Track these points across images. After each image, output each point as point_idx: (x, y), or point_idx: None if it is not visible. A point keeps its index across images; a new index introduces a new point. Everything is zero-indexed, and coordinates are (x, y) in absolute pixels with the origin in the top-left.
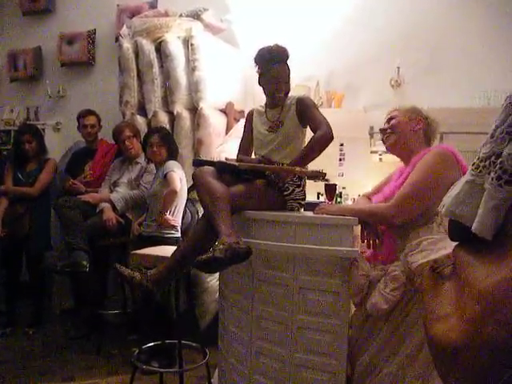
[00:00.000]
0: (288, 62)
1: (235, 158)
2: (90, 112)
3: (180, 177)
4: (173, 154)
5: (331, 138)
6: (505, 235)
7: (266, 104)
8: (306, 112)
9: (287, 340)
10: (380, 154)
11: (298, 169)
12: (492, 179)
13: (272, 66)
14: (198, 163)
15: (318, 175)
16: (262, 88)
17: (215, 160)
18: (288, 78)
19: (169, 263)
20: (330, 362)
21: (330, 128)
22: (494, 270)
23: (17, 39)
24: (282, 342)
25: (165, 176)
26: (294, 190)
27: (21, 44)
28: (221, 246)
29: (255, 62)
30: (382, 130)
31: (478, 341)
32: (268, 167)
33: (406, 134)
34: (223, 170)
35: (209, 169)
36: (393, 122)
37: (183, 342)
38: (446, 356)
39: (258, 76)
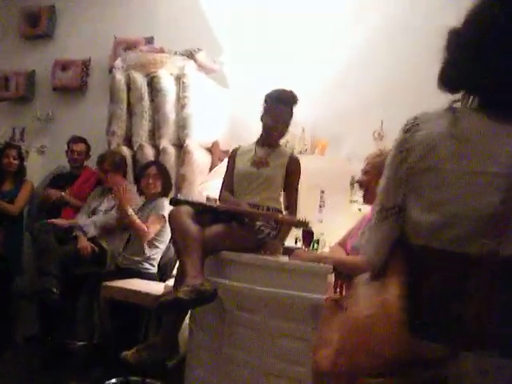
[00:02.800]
0: (294, 108)
1: (217, 196)
2: (80, 139)
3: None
4: (166, 190)
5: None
6: (386, 271)
7: (256, 141)
8: (293, 178)
9: None
10: (360, 206)
11: (281, 216)
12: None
13: (277, 104)
14: (176, 202)
15: (301, 224)
16: (262, 124)
17: (194, 200)
18: (288, 122)
19: None
20: None
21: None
22: (368, 304)
23: (13, 61)
24: None
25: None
26: (269, 233)
27: (16, 66)
28: (185, 288)
29: (265, 98)
30: (358, 183)
31: (337, 370)
32: (250, 212)
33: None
34: (202, 211)
35: (186, 209)
36: (363, 178)
37: (148, 380)
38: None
39: (262, 113)
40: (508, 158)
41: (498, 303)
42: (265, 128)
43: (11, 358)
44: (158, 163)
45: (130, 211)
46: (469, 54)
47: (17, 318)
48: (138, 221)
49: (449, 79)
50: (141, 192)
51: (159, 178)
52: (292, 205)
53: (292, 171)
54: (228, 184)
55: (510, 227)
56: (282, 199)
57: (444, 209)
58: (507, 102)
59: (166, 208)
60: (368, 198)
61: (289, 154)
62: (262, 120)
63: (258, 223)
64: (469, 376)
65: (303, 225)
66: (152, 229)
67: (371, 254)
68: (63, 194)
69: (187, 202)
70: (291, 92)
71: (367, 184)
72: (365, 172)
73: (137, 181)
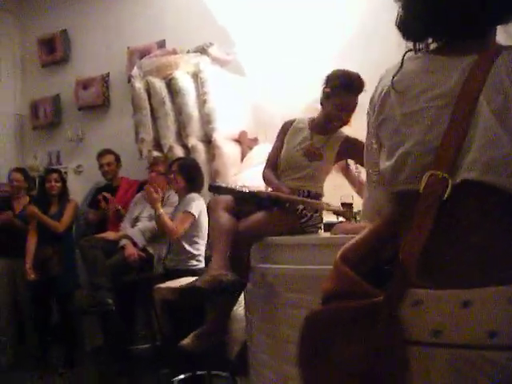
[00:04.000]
0: (360, 92)
1: (252, 185)
2: (106, 151)
3: (199, 211)
4: (194, 186)
5: None
6: None
7: (312, 123)
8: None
9: None
10: None
11: (325, 205)
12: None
13: (346, 93)
14: (215, 189)
15: (346, 214)
16: (322, 107)
17: (233, 187)
18: (352, 112)
19: None
20: None
21: None
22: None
23: (37, 89)
24: None
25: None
26: (311, 216)
27: (41, 93)
28: (206, 277)
29: (326, 82)
30: None
31: None
32: (292, 199)
33: None
34: (242, 198)
35: (224, 199)
36: None
37: (213, 372)
38: None
39: (322, 93)
40: (452, 88)
41: (449, 234)
42: (325, 115)
43: (82, 368)
44: (180, 159)
45: (160, 211)
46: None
47: (83, 331)
48: (166, 220)
49: (413, 31)
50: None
51: (180, 173)
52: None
53: (351, 151)
54: (273, 162)
55: (459, 154)
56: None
57: (398, 152)
58: (458, 36)
59: (194, 204)
60: None
61: (343, 138)
62: (321, 104)
63: (300, 207)
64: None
65: (348, 212)
66: (179, 226)
67: (370, 217)
68: (119, 206)
69: (226, 189)
70: (359, 78)
71: None
72: None
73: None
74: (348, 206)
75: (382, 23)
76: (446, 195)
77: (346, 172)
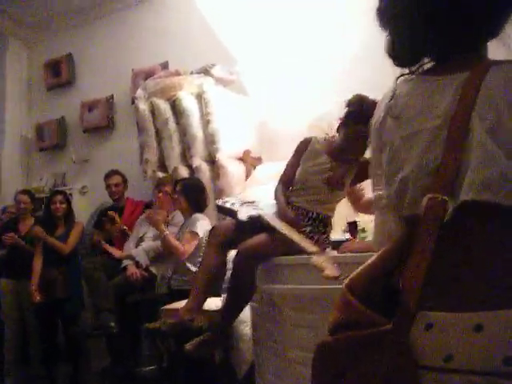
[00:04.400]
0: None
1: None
2: (114, 172)
3: (204, 230)
4: (197, 205)
5: None
6: None
7: (330, 148)
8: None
9: None
10: None
11: (311, 249)
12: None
13: (355, 122)
14: (218, 208)
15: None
16: (338, 134)
17: (236, 209)
18: (366, 140)
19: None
20: None
21: None
22: None
23: (42, 112)
24: None
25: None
26: (318, 239)
27: (47, 116)
28: (172, 321)
29: (345, 106)
30: None
31: None
32: (291, 239)
33: None
34: (244, 222)
35: (223, 228)
36: None
37: None
38: None
39: (340, 124)
40: (447, 108)
41: (454, 256)
42: (340, 146)
43: None
44: (182, 180)
45: (165, 232)
46: (418, 27)
47: (89, 352)
48: (173, 241)
49: (403, 57)
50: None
51: (182, 194)
52: None
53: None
54: (287, 179)
55: (457, 175)
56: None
57: (398, 177)
58: (448, 57)
59: (199, 224)
60: None
61: (361, 164)
62: (337, 130)
63: (308, 229)
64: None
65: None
66: (187, 246)
67: (382, 243)
68: (124, 227)
69: (229, 210)
70: (372, 104)
71: None
72: None
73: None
74: (352, 224)
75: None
76: (446, 218)
77: (350, 189)
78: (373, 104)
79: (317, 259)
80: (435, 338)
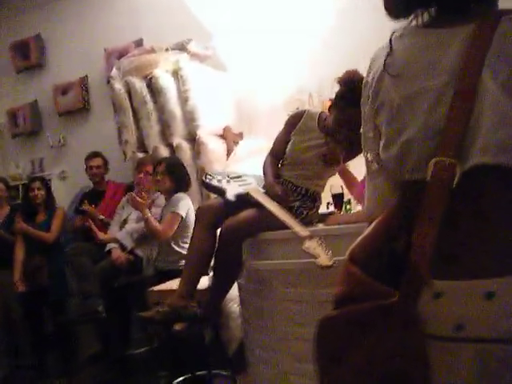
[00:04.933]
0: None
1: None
2: (95, 154)
3: (186, 210)
4: (181, 186)
5: None
6: None
7: (323, 124)
8: None
9: None
10: None
11: (303, 234)
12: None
13: (345, 106)
14: (204, 186)
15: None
16: (330, 117)
17: (222, 186)
18: (358, 124)
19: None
20: None
21: None
22: None
23: (13, 96)
24: (310, 359)
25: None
26: (307, 214)
27: (18, 100)
28: (166, 309)
29: (336, 93)
30: None
31: None
32: (279, 217)
33: None
34: (232, 202)
35: (212, 207)
36: None
37: (214, 371)
38: None
39: (333, 103)
40: (452, 63)
41: (463, 223)
42: (330, 128)
43: (79, 376)
44: (166, 159)
45: (147, 215)
46: None
47: (77, 339)
48: (154, 223)
49: (400, 6)
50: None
51: (167, 174)
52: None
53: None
54: (277, 152)
55: (465, 136)
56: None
57: (400, 140)
58: (452, 6)
59: (181, 204)
60: None
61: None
62: (329, 111)
63: (297, 204)
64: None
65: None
66: (167, 227)
67: (375, 211)
68: (101, 216)
69: (215, 188)
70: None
71: None
72: None
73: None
74: (338, 196)
75: (366, 5)
76: (454, 183)
77: (343, 171)
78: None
79: (309, 244)
80: (444, 307)
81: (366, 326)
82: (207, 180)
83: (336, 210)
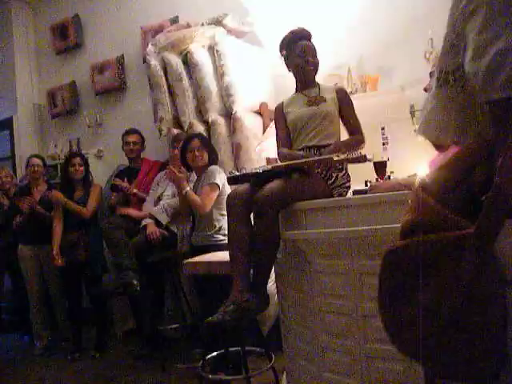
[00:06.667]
0: (311, 39)
1: (275, 157)
2: (134, 130)
3: (224, 182)
4: (213, 160)
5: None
6: None
7: (297, 89)
8: (347, 106)
9: (354, 331)
10: None
11: (335, 158)
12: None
13: (296, 43)
14: (233, 181)
15: (359, 159)
16: (292, 73)
17: (248, 172)
18: (315, 53)
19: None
20: None
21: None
22: None
23: (53, 77)
24: (349, 333)
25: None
26: (337, 177)
27: (57, 81)
28: (231, 308)
29: (280, 47)
30: (426, 90)
31: None
32: (303, 162)
33: None
34: (259, 179)
35: (239, 195)
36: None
37: (247, 348)
38: None
39: (285, 61)
40: None
41: None
42: (298, 71)
43: (115, 350)
44: (199, 135)
45: (187, 189)
46: None
47: (113, 315)
48: (193, 196)
49: None
50: (187, 167)
51: (204, 149)
52: (357, 129)
53: (343, 101)
54: (283, 139)
55: None
56: (340, 137)
57: (492, 50)
58: None
59: (217, 175)
60: None
61: (334, 87)
62: (288, 68)
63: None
64: None
65: (361, 159)
66: (207, 200)
67: (434, 134)
68: (135, 190)
69: (244, 177)
70: (301, 28)
71: None
72: (432, 74)
73: (182, 156)
74: (381, 164)
75: None
76: None
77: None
78: (301, 28)
79: (339, 157)
80: None
81: (436, 259)
82: (230, 175)
83: (379, 179)
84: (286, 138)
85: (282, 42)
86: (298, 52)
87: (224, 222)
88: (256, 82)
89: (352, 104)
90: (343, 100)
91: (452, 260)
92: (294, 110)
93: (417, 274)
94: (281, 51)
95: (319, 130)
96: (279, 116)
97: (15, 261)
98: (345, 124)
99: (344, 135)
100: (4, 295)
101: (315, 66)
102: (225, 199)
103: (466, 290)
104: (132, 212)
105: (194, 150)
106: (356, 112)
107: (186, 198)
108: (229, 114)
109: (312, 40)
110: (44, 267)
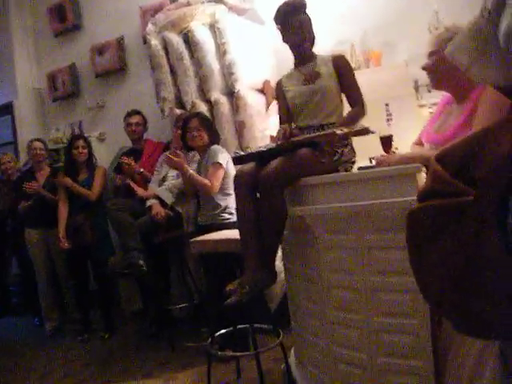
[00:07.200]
0: (307, 11)
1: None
2: (136, 111)
3: (227, 161)
4: (214, 139)
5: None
6: None
7: (295, 65)
8: (347, 74)
9: (362, 305)
10: (429, 107)
11: (338, 131)
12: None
13: (291, 17)
14: (239, 161)
15: (362, 132)
16: (288, 45)
17: (253, 151)
18: (311, 27)
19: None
20: (412, 323)
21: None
22: None
23: (52, 60)
24: (357, 307)
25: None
26: (342, 152)
27: (56, 64)
28: (246, 288)
29: (275, 21)
30: (424, 69)
31: None
32: (306, 138)
33: (448, 69)
34: (263, 157)
35: (246, 174)
36: (430, 62)
37: (255, 325)
38: None
39: (281, 34)
40: None
41: None
42: (294, 46)
43: (124, 331)
44: (199, 114)
45: (189, 172)
46: None
47: (120, 295)
48: (199, 178)
49: None
50: (188, 147)
51: (203, 128)
52: (358, 100)
53: (342, 68)
54: (284, 117)
55: None
56: (342, 112)
57: None
58: None
59: (219, 154)
60: (437, 83)
61: (330, 57)
62: (284, 41)
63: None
64: None
65: (364, 132)
66: (215, 180)
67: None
68: (141, 169)
69: (248, 156)
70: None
71: (436, 65)
72: (431, 54)
73: (182, 137)
74: (387, 139)
75: None
76: None
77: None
78: (289, 1)
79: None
80: None
81: (443, 222)
82: (235, 155)
83: (384, 153)
84: (286, 114)
85: (276, 14)
86: (294, 28)
87: (229, 202)
88: (258, 59)
89: (351, 70)
90: (341, 67)
91: (453, 225)
92: (292, 88)
93: (428, 234)
94: (276, 24)
95: (319, 109)
96: (279, 92)
97: (22, 245)
98: (346, 96)
99: (347, 108)
100: (12, 279)
101: (311, 41)
102: (229, 178)
103: (466, 255)
104: (138, 189)
105: (192, 130)
106: (360, 86)
107: (190, 181)
108: (231, 93)
109: (307, 10)
110: (51, 250)
